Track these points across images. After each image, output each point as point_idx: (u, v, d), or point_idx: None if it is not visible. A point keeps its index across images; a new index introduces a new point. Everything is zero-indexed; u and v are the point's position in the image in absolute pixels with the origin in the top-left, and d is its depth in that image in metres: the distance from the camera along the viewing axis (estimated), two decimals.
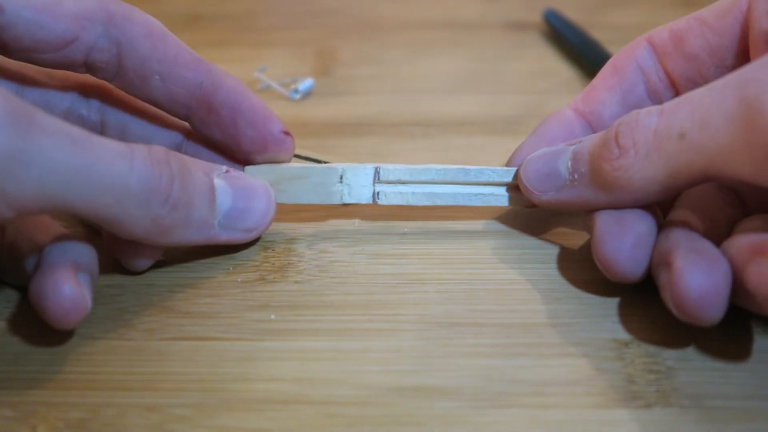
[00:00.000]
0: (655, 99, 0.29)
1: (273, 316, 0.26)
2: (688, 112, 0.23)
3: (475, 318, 0.26)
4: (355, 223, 0.31)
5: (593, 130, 0.29)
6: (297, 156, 0.32)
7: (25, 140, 0.21)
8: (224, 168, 0.27)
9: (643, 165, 0.24)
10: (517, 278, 0.27)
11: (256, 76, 0.42)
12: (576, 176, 0.26)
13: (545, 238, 0.30)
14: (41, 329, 0.25)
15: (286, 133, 0.29)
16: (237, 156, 0.30)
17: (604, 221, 0.25)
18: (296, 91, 0.41)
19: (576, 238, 0.29)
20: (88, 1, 0.27)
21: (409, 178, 0.29)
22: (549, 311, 0.26)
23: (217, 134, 0.29)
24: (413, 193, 0.29)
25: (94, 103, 0.30)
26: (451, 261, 0.28)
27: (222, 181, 0.27)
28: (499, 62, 0.44)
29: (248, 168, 0.29)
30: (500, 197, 0.29)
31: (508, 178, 0.29)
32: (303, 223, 0.31)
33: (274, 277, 0.28)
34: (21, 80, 0.29)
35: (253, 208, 0.27)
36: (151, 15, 0.28)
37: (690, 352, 0.24)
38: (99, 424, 0.22)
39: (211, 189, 0.26)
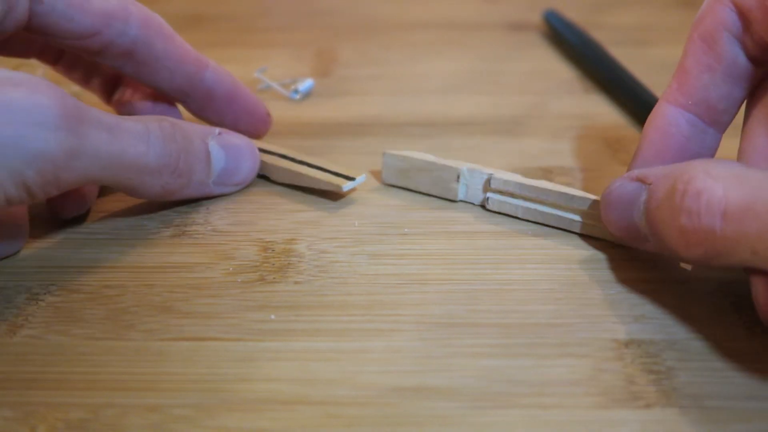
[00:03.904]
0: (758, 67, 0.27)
1: (273, 317, 0.26)
2: (757, 230, 0.21)
3: (474, 318, 0.26)
4: (355, 224, 0.31)
5: (704, 123, 0.28)
6: (291, 159, 0.33)
7: (78, 137, 0.24)
8: (217, 130, 0.32)
9: (710, 256, 0.23)
10: (517, 278, 0.27)
11: (256, 77, 0.42)
12: (651, 238, 0.26)
13: (545, 238, 0.30)
14: (41, 329, 0.25)
15: (268, 114, 0.36)
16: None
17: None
18: (296, 91, 0.41)
19: (576, 238, 0.29)
20: (113, 1, 0.30)
21: (518, 191, 0.30)
22: (549, 311, 0.26)
23: (213, 117, 0.35)
24: (518, 206, 0.30)
25: None
26: (451, 261, 0.28)
27: (215, 144, 0.31)
28: (499, 62, 0.44)
29: (386, 154, 0.33)
30: (599, 229, 0.29)
31: None
32: (303, 224, 0.31)
33: (274, 278, 0.28)
34: None
35: (241, 166, 0.32)
36: None
37: (690, 352, 0.24)
38: (99, 424, 0.22)
39: (207, 154, 0.31)
